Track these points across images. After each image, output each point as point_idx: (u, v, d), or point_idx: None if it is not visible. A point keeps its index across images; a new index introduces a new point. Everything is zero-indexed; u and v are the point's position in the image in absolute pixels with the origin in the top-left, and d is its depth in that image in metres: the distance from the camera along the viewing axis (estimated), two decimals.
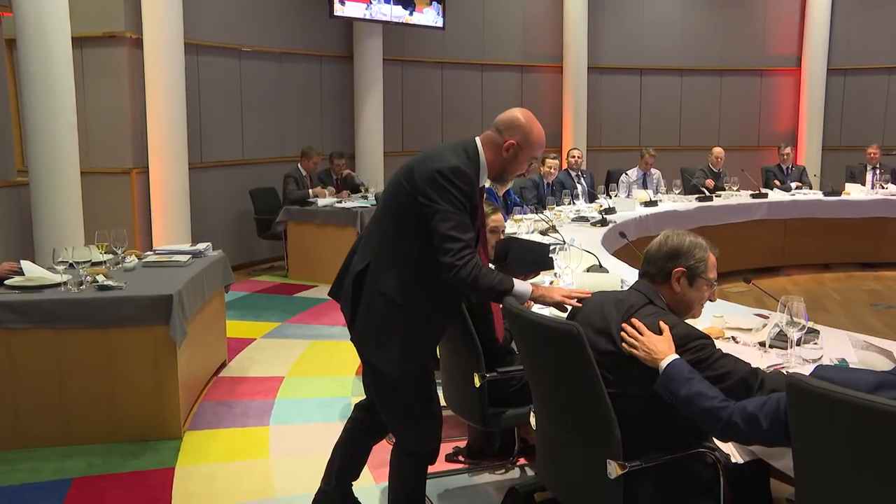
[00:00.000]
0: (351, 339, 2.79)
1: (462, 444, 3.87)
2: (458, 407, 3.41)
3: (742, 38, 11.87)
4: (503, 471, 3.66)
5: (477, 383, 3.09)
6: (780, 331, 2.88)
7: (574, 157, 8.51)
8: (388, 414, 2.81)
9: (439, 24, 10.04)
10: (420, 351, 2.69)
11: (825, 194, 8.68)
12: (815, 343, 2.80)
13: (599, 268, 4.24)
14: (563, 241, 5.03)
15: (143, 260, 4.73)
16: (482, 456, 3.75)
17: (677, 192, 8.53)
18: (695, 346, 2.26)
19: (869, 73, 11.84)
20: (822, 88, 11.83)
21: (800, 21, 11.89)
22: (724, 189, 8.70)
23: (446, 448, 3.85)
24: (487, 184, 2.77)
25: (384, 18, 9.45)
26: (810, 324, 2.76)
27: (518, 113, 2.67)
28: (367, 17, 9.28)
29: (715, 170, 9.11)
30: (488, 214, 3.59)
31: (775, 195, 8.66)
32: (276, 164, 8.57)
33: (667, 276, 2.41)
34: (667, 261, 2.41)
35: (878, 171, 9.36)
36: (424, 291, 2.61)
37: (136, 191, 7.29)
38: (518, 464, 3.71)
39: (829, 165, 11.48)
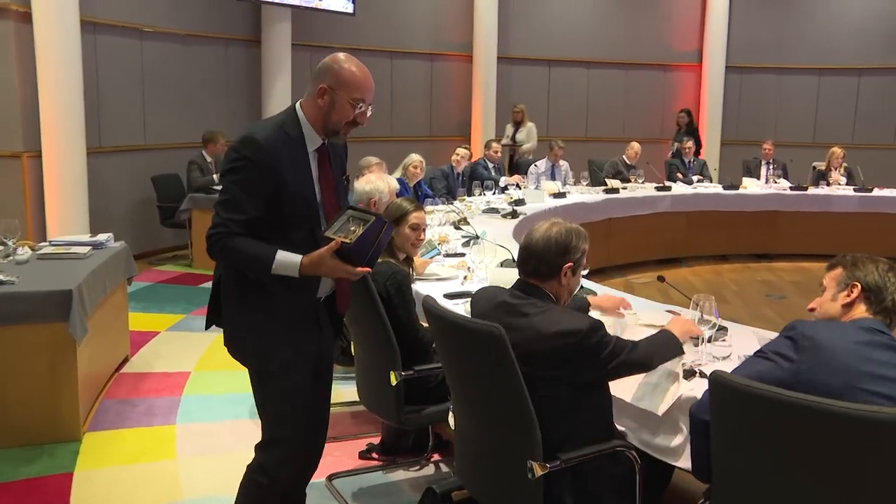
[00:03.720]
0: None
1: (375, 440, 3.84)
2: (373, 405, 3.37)
3: (647, 33, 12.20)
4: (418, 467, 3.65)
5: (393, 381, 3.06)
6: None
7: (494, 149, 8.57)
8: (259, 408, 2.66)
9: (349, 9, 9.90)
10: (274, 344, 2.47)
11: (724, 188, 9.01)
12: (724, 340, 2.88)
13: (513, 262, 4.24)
14: (476, 235, 5.04)
15: (38, 252, 4.48)
16: (396, 452, 3.73)
17: (585, 183, 8.68)
18: (602, 341, 2.32)
19: (762, 71, 12.38)
20: (721, 85, 12.31)
21: (701, 18, 12.30)
22: (630, 181, 8.92)
23: (360, 445, 3.83)
24: (315, 144, 2.45)
25: (293, 2, 9.24)
26: (719, 321, 2.85)
27: (328, 58, 2.43)
28: (276, 0, 9.05)
29: (630, 163, 9.34)
30: (409, 211, 3.55)
31: (678, 188, 8.93)
32: (181, 150, 8.27)
33: (557, 271, 2.44)
34: (557, 257, 2.43)
35: (771, 166, 9.79)
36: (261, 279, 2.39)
37: (27, 176, 6.89)
38: (432, 460, 3.70)
39: (727, 159, 11.95)
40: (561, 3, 11.89)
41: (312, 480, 3.45)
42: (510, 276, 3.84)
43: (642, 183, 8.94)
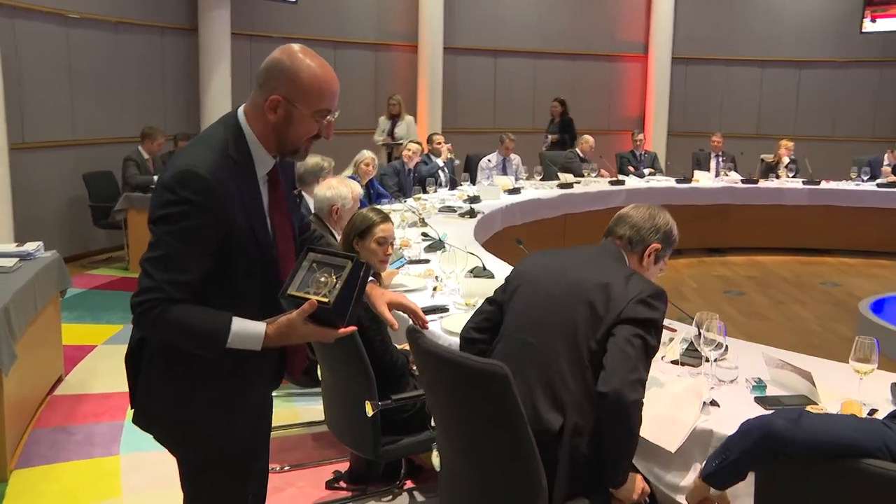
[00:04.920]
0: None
1: (343, 466, 3.54)
2: (346, 437, 3.08)
3: (593, 24, 12.08)
4: (390, 497, 3.35)
5: (369, 412, 2.76)
6: (689, 346, 2.77)
7: (437, 142, 8.29)
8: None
9: None
10: (221, 427, 1.93)
11: (677, 181, 8.92)
12: (725, 358, 2.63)
13: (483, 270, 4.00)
14: (439, 239, 4.77)
15: None
16: (366, 480, 3.43)
17: (539, 178, 8.49)
18: (655, 309, 2.14)
19: (708, 62, 12.39)
20: (668, 76, 12.28)
21: (647, 9, 12.22)
22: (583, 175, 8.77)
23: (325, 473, 3.54)
24: (267, 167, 1.91)
25: None
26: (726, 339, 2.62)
27: (280, 53, 1.83)
28: None
29: (584, 156, 9.22)
30: (376, 223, 3.26)
31: (631, 182, 8.82)
32: (114, 146, 7.77)
33: (644, 247, 2.38)
34: (650, 232, 2.38)
35: (721, 159, 9.76)
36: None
37: None
38: (406, 488, 3.42)
39: (674, 151, 11.94)
40: None
41: None
42: (483, 287, 3.60)
43: (596, 177, 8.80)
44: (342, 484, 3.44)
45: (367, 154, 6.44)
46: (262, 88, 1.83)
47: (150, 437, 1.98)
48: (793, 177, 9.35)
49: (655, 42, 12.20)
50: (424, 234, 4.92)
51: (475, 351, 2.36)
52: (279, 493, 3.36)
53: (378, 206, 3.64)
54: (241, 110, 1.89)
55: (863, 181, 9.15)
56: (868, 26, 11.74)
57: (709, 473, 1.94)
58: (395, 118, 9.30)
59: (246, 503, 2.04)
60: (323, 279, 1.80)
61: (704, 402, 2.39)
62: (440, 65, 11.09)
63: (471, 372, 2.03)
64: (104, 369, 4.82)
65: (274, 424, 3.61)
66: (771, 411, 2.30)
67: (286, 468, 3.59)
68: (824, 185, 9.03)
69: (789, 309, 6.66)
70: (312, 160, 4.85)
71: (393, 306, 2.20)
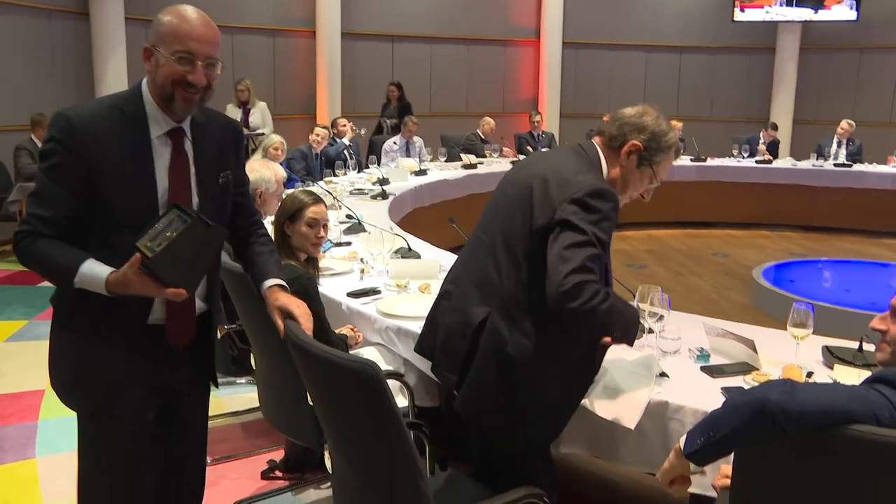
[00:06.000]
0: None
1: (277, 454, 3.47)
2: (285, 426, 2.95)
3: (487, 10, 12.29)
4: (329, 484, 3.22)
5: (311, 400, 2.62)
6: None
7: (342, 124, 8.32)
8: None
9: None
10: (91, 377, 2.08)
11: None
12: (663, 328, 2.62)
13: (409, 251, 4.08)
14: (358, 220, 4.83)
15: None
16: (303, 468, 3.35)
17: (443, 159, 8.65)
18: (592, 210, 1.99)
19: (597, 47, 12.82)
20: (559, 60, 12.64)
21: None
22: (485, 156, 8.98)
23: (259, 463, 3.45)
24: (163, 128, 2.00)
25: None
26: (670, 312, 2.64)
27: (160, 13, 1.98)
28: None
29: (485, 138, 9.43)
30: (306, 205, 3.17)
31: None
32: (2, 134, 7.39)
33: (621, 143, 2.19)
34: (632, 129, 2.18)
35: None
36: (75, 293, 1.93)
37: None
38: None
39: (567, 131, 12.31)
40: None
41: None
42: (414, 268, 3.70)
43: (499, 157, 9.03)
44: (278, 473, 3.35)
45: (275, 138, 6.40)
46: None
47: (67, 436, 2.02)
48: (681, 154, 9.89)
49: (547, 27, 12.53)
50: (349, 216, 4.95)
51: None
52: (213, 487, 3.18)
53: (309, 189, 3.63)
54: (145, 77, 2.01)
55: (743, 158, 9.78)
56: (738, 16, 12.54)
57: (693, 451, 1.76)
58: (244, 105, 8.35)
59: (139, 469, 2.13)
60: (168, 234, 1.82)
61: (656, 375, 2.41)
62: (338, 50, 11.04)
63: (340, 370, 1.82)
64: (9, 368, 4.61)
65: None
66: (719, 378, 2.41)
67: (217, 460, 3.47)
68: (710, 162, 9.59)
69: (688, 280, 7.06)
70: None
71: (283, 312, 2.13)
